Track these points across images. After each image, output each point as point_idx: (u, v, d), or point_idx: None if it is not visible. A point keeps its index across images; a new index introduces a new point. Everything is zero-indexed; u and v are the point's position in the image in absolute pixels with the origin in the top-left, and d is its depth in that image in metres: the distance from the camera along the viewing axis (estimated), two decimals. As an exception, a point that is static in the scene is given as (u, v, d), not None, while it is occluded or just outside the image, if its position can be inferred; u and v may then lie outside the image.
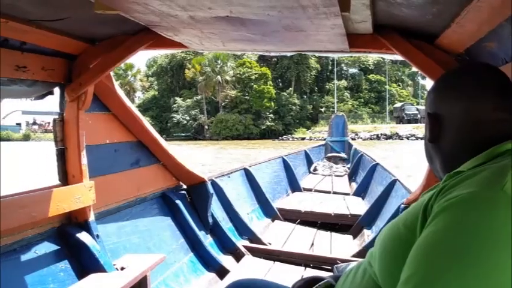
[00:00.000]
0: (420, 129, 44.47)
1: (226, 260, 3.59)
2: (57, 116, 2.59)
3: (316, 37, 2.04)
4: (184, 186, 3.89)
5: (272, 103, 56.72)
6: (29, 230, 2.26)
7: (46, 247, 2.36)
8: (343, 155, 10.89)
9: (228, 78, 57.73)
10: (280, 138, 52.92)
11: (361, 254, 3.72)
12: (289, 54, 2.67)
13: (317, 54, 2.72)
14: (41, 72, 2.29)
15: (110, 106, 3.03)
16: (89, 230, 2.55)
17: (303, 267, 3.56)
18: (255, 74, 57.51)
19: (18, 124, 77.06)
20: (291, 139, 51.45)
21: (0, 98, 2.29)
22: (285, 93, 59.21)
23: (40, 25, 2.00)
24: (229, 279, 3.19)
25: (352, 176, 8.58)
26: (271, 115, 57.03)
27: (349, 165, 9.81)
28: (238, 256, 3.74)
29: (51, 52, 2.33)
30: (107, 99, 2.98)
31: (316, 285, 1.22)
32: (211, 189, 3.89)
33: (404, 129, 47.12)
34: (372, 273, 0.98)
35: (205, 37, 2.11)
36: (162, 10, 1.62)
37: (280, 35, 2.03)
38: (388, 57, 2.71)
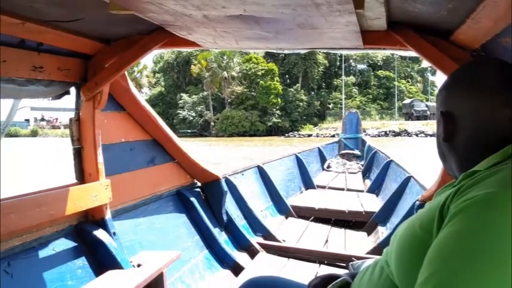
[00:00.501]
0: (430, 126, 43.65)
1: (240, 257, 3.61)
2: (72, 115, 2.62)
3: (330, 34, 2.03)
4: (199, 184, 3.92)
5: (279, 99, 55.83)
6: (47, 227, 2.30)
7: (64, 244, 2.40)
8: (356, 152, 10.83)
9: (234, 74, 56.74)
10: (286, 135, 52.17)
11: (375, 251, 3.71)
12: (302, 51, 2.67)
13: (331, 52, 2.72)
14: (58, 72, 2.33)
15: (125, 105, 3.06)
16: (105, 227, 2.59)
17: (318, 264, 3.56)
18: (262, 69, 56.36)
19: (27, 120, 76.94)
20: (297, 136, 50.74)
21: (18, 98, 2.33)
22: (292, 89, 58.19)
23: (56, 26, 2.03)
24: (244, 276, 3.20)
25: (366, 173, 8.54)
26: (277, 111, 56.18)
27: (362, 162, 9.75)
28: (252, 253, 3.76)
29: (67, 52, 2.37)
30: (122, 99, 3.01)
31: (333, 283, 1.22)
32: (225, 187, 3.91)
33: (413, 125, 46.12)
34: (389, 273, 0.98)
35: (219, 36, 2.12)
36: (176, 10, 1.64)
37: (293, 33, 2.03)
38: (402, 53, 2.69)
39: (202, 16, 1.72)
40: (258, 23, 1.82)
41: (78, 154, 2.60)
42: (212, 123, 56.75)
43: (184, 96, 58.30)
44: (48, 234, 2.31)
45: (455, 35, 1.99)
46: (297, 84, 59.26)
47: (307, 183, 7.06)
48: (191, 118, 56.56)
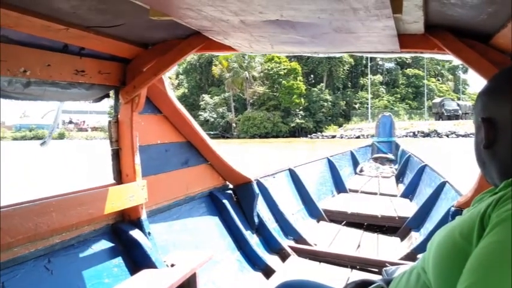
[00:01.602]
0: (461, 126, 41.86)
1: (272, 260, 3.62)
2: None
3: (367, 38, 2.03)
4: (231, 186, 3.96)
5: (302, 99, 54.39)
6: (86, 226, 2.38)
7: (101, 243, 2.47)
8: (390, 155, 10.65)
9: (255, 74, 55.44)
10: (309, 136, 51.15)
11: (409, 256, 3.64)
12: (337, 55, 2.67)
13: (366, 55, 2.69)
14: (98, 76, 2.40)
15: (161, 108, 3.13)
16: (141, 227, 2.65)
17: (349, 269, 3.53)
18: (284, 69, 54.85)
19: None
20: (320, 137, 49.50)
21: (61, 100, 2.41)
22: (316, 89, 56.63)
23: (98, 31, 2.10)
24: (275, 278, 3.21)
25: (399, 178, 8.39)
26: (301, 112, 54.69)
27: (396, 166, 9.59)
28: (283, 256, 3.76)
29: (107, 56, 2.44)
30: (159, 102, 3.08)
31: None
32: (257, 190, 3.93)
33: (443, 126, 43.93)
34: (425, 280, 0.97)
35: (255, 40, 2.14)
36: (214, 15, 1.67)
37: (329, 37, 2.03)
38: (440, 57, 2.64)
39: (239, 21, 1.74)
40: (294, 28, 1.83)
41: (116, 155, 2.68)
42: (234, 125, 56.03)
43: (206, 97, 57.67)
44: (87, 232, 2.39)
45: (495, 38, 1.95)
46: (321, 84, 57.74)
47: (339, 187, 7.00)
48: (212, 119, 55.89)
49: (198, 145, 3.53)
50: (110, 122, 2.68)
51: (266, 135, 52.56)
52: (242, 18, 1.68)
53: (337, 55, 2.66)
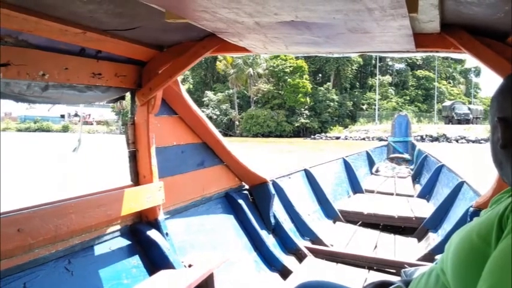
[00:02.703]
0: (472, 131, 40.06)
1: (288, 261, 3.62)
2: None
3: (382, 38, 2.02)
4: (247, 187, 3.97)
5: (308, 99, 52.04)
6: (104, 227, 2.41)
7: (120, 244, 2.50)
8: (406, 155, 10.54)
9: (260, 71, 52.81)
10: (312, 136, 48.74)
11: (427, 258, 3.61)
12: (352, 55, 2.66)
13: (382, 55, 2.68)
14: (114, 79, 2.43)
15: (177, 110, 3.15)
16: (158, 228, 2.67)
17: (367, 270, 3.51)
18: (290, 66, 52.33)
19: (62, 116, 78.14)
20: (324, 138, 47.46)
21: (78, 103, 2.45)
22: (322, 88, 54.18)
23: (114, 34, 2.13)
24: (292, 279, 3.21)
25: (416, 178, 8.31)
26: (306, 111, 52.35)
27: (412, 167, 9.50)
28: (300, 257, 3.76)
29: (123, 59, 2.47)
30: (174, 103, 3.11)
31: None
32: (272, 190, 3.93)
33: (453, 130, 41.59)
34: (444, 281, 0.97)
35: (269, 41, 2.14)
36: (229, 17, 1.68)
37: (344, 37, 2.02)
38: (455, 56, 2.62)
39: (254, 23, 1.75)
40: (309, 29, 1.83)
41: (133, 157, 2.71)
42: (237, 123, 53.93)
43: (209, 93, 55.90)
44: (105, 233, 2.42)
45: None
46: (328, 83, 55.78)
47: (355, 187, 6.96)
48: (215, 117, 53.54)
49: (213, 146, 3.55)
50: (126, 124, 2.71)
51: (269, 134, 51.12)
52: (257, 19, 1.69)
53: (352, 55, 2.66)
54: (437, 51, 2.39)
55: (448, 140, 39.17)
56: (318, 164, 6.00)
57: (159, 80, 2.57)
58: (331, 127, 52.01)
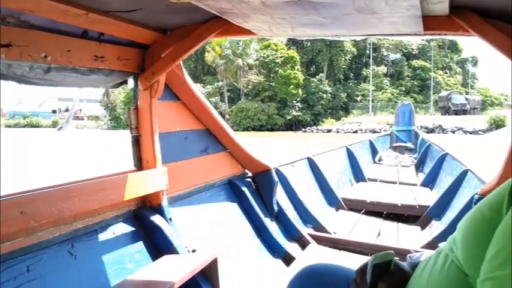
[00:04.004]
0: (469, 122, 38.74)
1: (291, 247, 3.61)
2: (132, 106, 2.70)
3: (390, 19, 1.98)
4: (250, 174, 3.96)
5: (300, 90, 49.96)
6: (108, 212, 2.40)
7: (123, 228, 2.49)
8: (409, 144, 10.50)
9: (251, 62, 50.61)
10: (303, 130, 47.29)
11: (430, 245, 3.59)
12: (359, 38, 2.61)
13: (389, 38, 2.64)
14: (117, 62, 2.40)
15: (179, 95, 3.13)
16: (162, 213, 2.66)
17: (370, 257, 3.49)
18: (281, 57, 50.02)
19: (54, 111, 77.33)
20: (315, 131, 46.01)
21: (81, 86, 2.42)
22: (314, 80, 51.81)
23: (117, 16, 2.09)
24: (295, 265, 3.20)
25: (419, 166, 8.28)
26: (298, 104, 50.34)
27: (415, 155, 9.47)
28: (303, 244, 3.75)
29: (126, 42, 2.43)
30: (177, 88, 3.08)
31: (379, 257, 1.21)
32: (275, 178, 3.92)
33: (449, 121, 39.87)
34: (453, 259, 0.96)
35: (275, 23, 2.11)
36: None
37: (351, 18, 1.98)
38: (464, 39, 2.58)
39: (259, 2, 1.71)
40: (316, 9, 1.79)
41: (136, 142, 2.68)
42: (227, 116, 50.89)
43: (198, 86, 52.40)
44: (109, 218, 2.41)
45: None
46: (321, 74, 53.72)
47: (358, 176, 6.95)
48: None
49: (217, 133, 3.52)
50: (129, 108, 2.68)
51: (260, 128, 49.04)
52: None
53: (359, 38, 2.61)
54: (445, 34, 2.35)
55: (444, 131, 37.82)
56: (321, 153, 5.98)
57: (162, 63, 2.53)
58: (324, 120, 50.29)
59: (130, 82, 2.69)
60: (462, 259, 0.91)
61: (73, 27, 2.02)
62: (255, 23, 2.14)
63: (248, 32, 2.37)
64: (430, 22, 2.15)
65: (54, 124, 66.52)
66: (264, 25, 2.18)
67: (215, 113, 3.40)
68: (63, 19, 1.89)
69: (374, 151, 9.14)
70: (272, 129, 48.77)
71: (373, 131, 37.86)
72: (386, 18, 1.95)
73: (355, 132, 41.22)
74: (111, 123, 61.31)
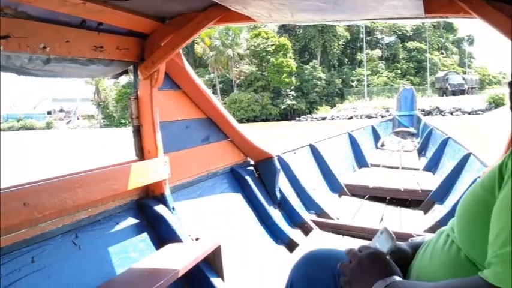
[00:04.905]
0: (467, 102, 37.99)
1: (294, 234, 3.63)
2: (132, 96, 2.69)
3: (390, 3, 1.95)
4: (252, 162, 3.96)
5: (293, 79, 49.39)
6: (111, 202, 2.40)
7: (127, 218, 2.50)
8: (411, 129, 10.49)
9: (241, 51, 50.18)
10: (297, 118, 46.37)
11: (433, 229, 3.60)
12: (359, 23, 2.62)
13: (389, 22, 2.62)
14: (117, 52, 2.39)
15: (180, 84, 3.11)
16: (165, 202, 2.67)
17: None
18: (272, 45, 49.59)
19: (49, 112, 76.97)
20: (309, 119, 44.90)
21: (80, 77, 2.41)
22: (308, 67, 51.03)
23: (115, 5, 2.07)
24: (298, 252, 3.22)
25: (421, 151, 8.28)
26: (292, 92, 49.72)
27: (418, 140, 9.46)
28: (306, 230, 3.76)
29: (125, 32, 2.42)
30: (178, 77, 3.06)
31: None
32: (278, 165, 3.93)
33: (447, 102, 38.69)
34: (454, 239, 0.99)
35: (275, 8, 2.09)
36: None
37: (351, 2, 1.97)
38: (466, 21, 2.54)
39: None
40: None
41: (138, 132, 2.68)
42: None
43: None
44: (112, 208, 2.41)
45: None
46: (314, 61, 52.77)
47: (361, 161, 6.95)
48: None
49: (218, 121, 3.52)
50: (130, 98, 2.67)
51: (255, 119, 48.03)
52: None
53: (359, 23, 2.61)
54: (446, 17, 2.33)
55: (441, 113, 36.74)
56: (323, 139, 5.98)
57: (161, 52, 2.51)
58: (319, 107, 49.45)
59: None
60: (459, 238, 0.95)
61: (71, 17, 2.01)
62: (254, 9, 2.12)
63: (248, 18, 2.35)
64: (431, 5, 2.13)
65: (49, 125, 66.72)
66: (264, 11, 2.16)
67: (216, 102, 3.39)
68: (60, 9, 1.87)
69: (376, 136, 9.13)
70: (267, 120, 47.94)
71: (369, 117, 37.24)
72: (386, 1, 1.93)
73: (350, 118, 40.58)
74: (103, 121, 60.90)
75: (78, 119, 70.34)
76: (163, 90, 2.84)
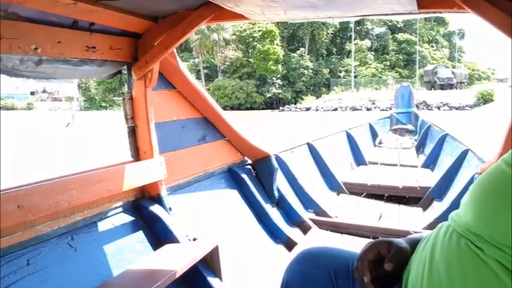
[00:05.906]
0: (455, 97, 36.84)
1: (293, 232, 3.61)
2: (127, 95, 2.67)
3: None
4: (249, 161, 3.95)
5: (279, 67, 48.15)
6: (107, 203, 2.39)
7: (123, 219, 2.48)
8: (409, 126, 10.49)
9: (227, 36, 48.73)
10: (281, 108, 44.27)
11: (432, 226, 3.57)
12: (353, 19, 2.58)
13: (383, 18, 2.60)
14: (110, 52, 2.37)
15: (175, 83, 3.10)
16: (161, 203, 2.65)
17: (372, 239, 3.49)
18: (259, 31, 47.96)
19: (32, 93, 75.32)
20: (293, 109, 42.90)
21: (73, 78, 2.40)
22: (295, 55, 50.24)
23: (106, 5, 2.05)
24: (297, 250, 3.20)
25: (419, 148, 8.28)
26: (278, 81, 48.43)
27: (416, 137, 9.46)
28: (305, 229, 3.75)
29: (118, 32, 2.40)
30: (172, 77, 3.05)
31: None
32: (275, 164, 3.91)
33: (435, 96, 37.23)
34: (456, 227, 0.97)
35: (267, 6, 2.07)
36: None
37: None
38: (460, 16, 2.53)
39: None
40: None
41: (133, 132, 2.66)
42: None
43: None
44: (108, 209, 2.40)
45: None
46: (301, 49, 51.59)
47: (359, 159, 6.95)
48: None
49: (214, 121, 3.50)
50: (124, 99, 2.65)
51: (239, 107, 46.77)
52: None
53: (353, 19, 2.58)
54: (440, 12, 2.31)
55: (428, 107, 35.08)
56: (321, 138, 5.97)
57: (155, 52, 2.50)
58: (304, 97, 47.76)
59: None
60: (475, 222, 0.91)
61: (62, 17, 1.99)
62: (247, 7, 2.11)
63: (241, 16, 2.34)
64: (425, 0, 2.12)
65: (29, 106, 65.34)
66: (256, 9, 2.15)
67: (212, 101, 3.38)
68: (51, 10, 1.86)
69: (374, 134, 9.12)
70: (252, 108, 46.55)
71: (354, 109, 36.67)
72: None
73: (335, 110, 39.53)
74: (84, 103, 59.61)
75: (61, 100, 68.34)
76: (157, 90, 2.83)
